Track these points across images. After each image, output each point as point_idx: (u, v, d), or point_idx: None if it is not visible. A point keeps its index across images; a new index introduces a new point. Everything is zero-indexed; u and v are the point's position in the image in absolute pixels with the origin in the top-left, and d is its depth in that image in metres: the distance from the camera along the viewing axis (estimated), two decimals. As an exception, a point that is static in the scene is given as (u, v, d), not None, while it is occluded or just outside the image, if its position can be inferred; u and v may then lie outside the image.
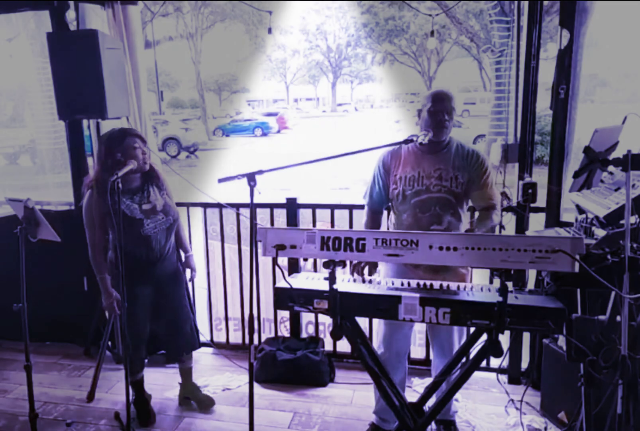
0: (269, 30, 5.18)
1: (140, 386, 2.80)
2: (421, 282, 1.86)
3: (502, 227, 2.83)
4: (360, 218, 2.59)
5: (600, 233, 1.92)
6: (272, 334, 3.43)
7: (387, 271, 2.43)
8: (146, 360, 2.83)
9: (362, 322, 2.31)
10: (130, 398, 2.77)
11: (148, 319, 2.63)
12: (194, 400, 2.88)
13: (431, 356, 2.57)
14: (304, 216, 3.26)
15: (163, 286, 2.61)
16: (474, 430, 2.58)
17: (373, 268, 2.29)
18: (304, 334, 3.41)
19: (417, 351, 3.22)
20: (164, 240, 2.54)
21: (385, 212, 2.56)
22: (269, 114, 26.41)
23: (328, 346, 3.30)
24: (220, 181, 2.03)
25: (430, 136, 2.16)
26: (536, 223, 2.85)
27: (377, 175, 2.39)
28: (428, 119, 2.20)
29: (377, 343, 2.45)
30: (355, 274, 2.06)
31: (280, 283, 1.85)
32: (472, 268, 2.36)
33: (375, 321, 3.07)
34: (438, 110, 2.18)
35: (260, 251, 1.77)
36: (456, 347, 2.35)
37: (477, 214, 2.35)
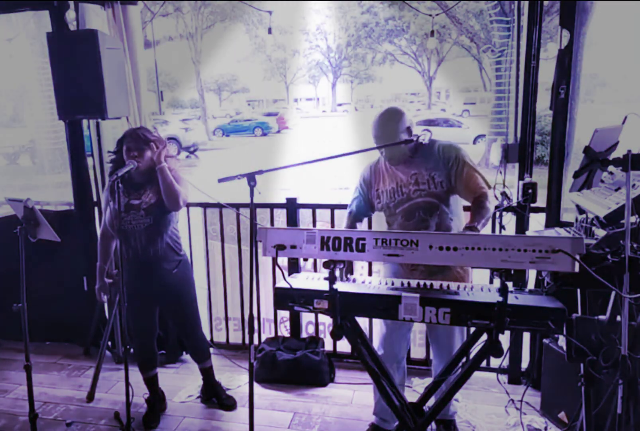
0: (269, 30, 5.19)
1: (154, 383, 2.81)
2: (421, 282, 1.86)
3: (502, 227, 2.83)
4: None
5: (600, 233, 1.92)
6: (272, 334, 3.43)
7: (385, 275, 2.44)
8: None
9: (362, 322, 2.31)
10: (144, 396, 2.81)
11: (154, 316, 2.70)
12: (216, 399, 2.87)
13: (431, 356, 2.57)
14: (304, 216, 3.26)
15: (168, 288, 2.61)
16: (474, 430, 2.58)
17: (349, 268, 2.18)
18: (304, 334, 3.40)
19: (417, 351, 3.22)
20: (144, 240, 2.52)
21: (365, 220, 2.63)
22: (269, 114, 26.45)
23: (328, 346, 3.30)
24: (220, 181, 2.03)
25: (430, 135, 2.16)
26: (536, 222, 2.85)
27: (359, 188, 2.45)
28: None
29: (375, 345, 2.45)
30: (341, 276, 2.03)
31: (280, 283, 1.85)
32: (472, 269, 2.36)
33: (375, 321, 3.07)
34: (376, 138, 2.21)
35: (260, 251, 1.77)
36: (456, 348, 2.35)
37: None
